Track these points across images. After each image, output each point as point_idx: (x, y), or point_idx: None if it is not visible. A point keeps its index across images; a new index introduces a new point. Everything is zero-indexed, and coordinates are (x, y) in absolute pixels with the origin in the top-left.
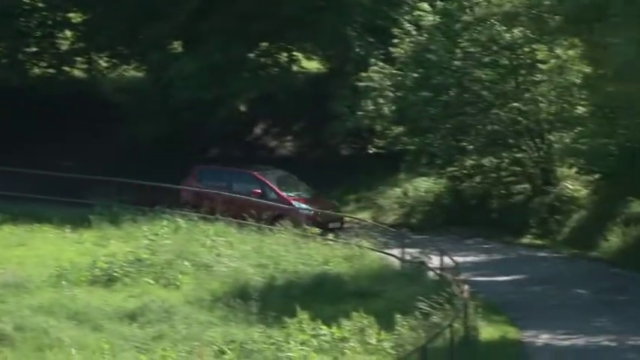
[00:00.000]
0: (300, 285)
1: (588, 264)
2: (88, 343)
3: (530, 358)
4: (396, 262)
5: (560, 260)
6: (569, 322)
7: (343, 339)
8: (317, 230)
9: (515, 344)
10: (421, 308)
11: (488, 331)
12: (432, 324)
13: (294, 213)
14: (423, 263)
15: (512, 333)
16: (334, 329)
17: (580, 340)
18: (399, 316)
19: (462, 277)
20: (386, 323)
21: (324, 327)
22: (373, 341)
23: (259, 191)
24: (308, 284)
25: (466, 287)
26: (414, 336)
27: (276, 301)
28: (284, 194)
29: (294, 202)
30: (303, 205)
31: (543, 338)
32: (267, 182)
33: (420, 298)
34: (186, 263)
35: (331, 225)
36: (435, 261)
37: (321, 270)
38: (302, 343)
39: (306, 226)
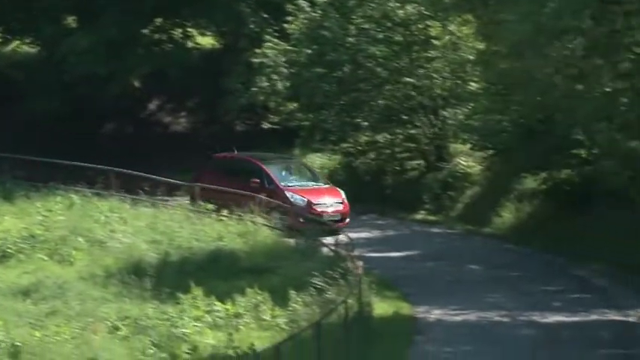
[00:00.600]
0: (194, 261)
1: (481, 240)
2: None
3: (423, 333)
4: (291, 239)
5: (454, 236)
6: (462, 297)
7: (237, 315)
8: (211, 206)
9: (408, 320)
10: (315, 284)
11: (381, 307)
12: (326, 300)
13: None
14: (317, 239)
15: (405, 309)
16: (228, 305)
17: (472, 316)
18: (293, 292)
19: (356, 253)
20: (280, 299)
21: (219, 303)
22: (267, 317)
23: (257, 181)
24: (202, 260)
25: (360, 263)
26: (308, 312)
27: (170, 277)
28: (281, 185)
29: (287, 194)
30: (297, 197)
31: (436, 314)
32: (268, 172)
33: (315, 274)
34: (80, 239)
35: (327, 217)
36: (329, 237)
37: (215, 246)
38: (196, 319)
39: (301, 219)
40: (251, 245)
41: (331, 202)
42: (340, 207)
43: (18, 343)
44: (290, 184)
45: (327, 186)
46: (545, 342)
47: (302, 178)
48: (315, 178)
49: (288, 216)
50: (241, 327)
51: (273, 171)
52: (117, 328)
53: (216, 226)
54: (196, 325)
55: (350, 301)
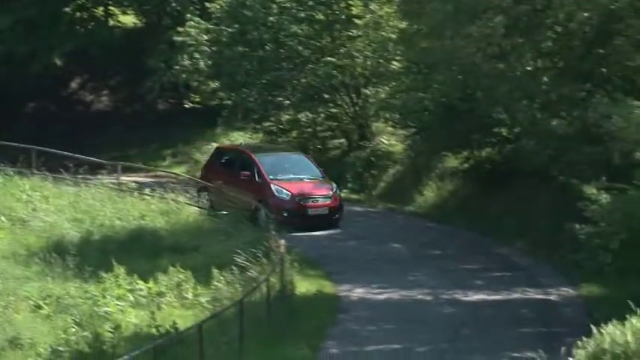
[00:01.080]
0: (116, 240)
1: (404, 218)
2: None
3: (346, 311)
4: (215, 219)
5: (376, 215)
6: (385, 276)
7: (160, 294)
8: (133, 185)
9: (331, 298)
10: (238, 263)
11: (304, 285)
12: (248, 278)
13: (271, 198)
14: (240, 219)
15: (328, 287)
16: (151, 284)
17: (395, 294)
18: (216, 270)
19: (279, 231)
20: (203, 278)
21: (141, 282)
22: (190, 296)
23: (247, 173)
24: (124, 239)
25: (283, 242)
26: (231, 290)
27: (93, 255)
28: (268, 178)
29: (272, 187)
30: (282, 190)
31: (358, 292)
32: (258, 164)
33: (237, 252)
34: (1, 218)
35: (312, 212)
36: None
37: (137, 225)
38: (118, 298)
39: (285, 214)
40: (174, 224)
41: (318, 197)
42: (328, 201)
43: None
44: (279, 178)
45: (321, 180)
46: (468, 320)
47: (299, 171)
48: (312, 171)
49: (271, 210)
50: (164, 305)
51: (264, 163)
52: (39, 307)
53: (138, 204)
54: (119, 304)
55: (272, 279)
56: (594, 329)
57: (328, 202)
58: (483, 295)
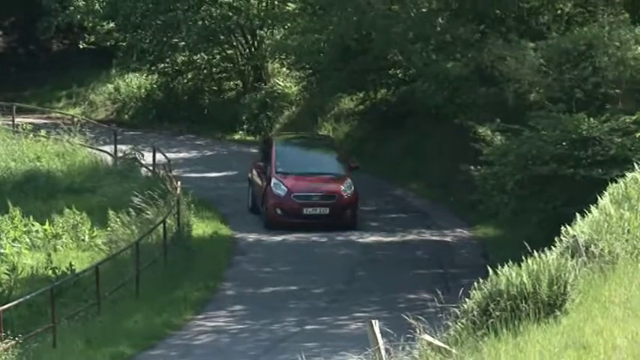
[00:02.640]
0: (11, 181)
1: None
2: None
3: (242, 253)
4: (109, 159)
5: None
6: None
7: (56, 235)
8: (29, 127)
9: (228, 240)
10: (134, 204)
11: (200, 227)
12: (145, 220)
13: (269, 192)
14: (135, 160)
15: (224, 229)
16: (47, 226)
17: (291, 236)
18: (112, 212)
19: (175, 173)
20: (99, 220)
21: (37, 223)
22: (86, 238)
23: (261, 164)
24: (19, 180)
25: (179, 183)
26: (127, 232)
27: None
28: (275, 170)
29: (272, 180)
30: (280, 185)
31: (255, 235)
32: (273, 154)
33: (134, 194)
34: None
35: (308, 212)
36: (147, 157)
37: (32, 166)
38: (14, 240)
39: (279, 212)
40: (69, 165)
41: (318, 194)
42: (331, 201)
43: None
44: (289, 171)
45: (337, 176)
46: (364, 261)
47: (319, 165)
48: (333, 166)
49: (267, 206)
50: (60, 247)
51: (280, 154)
52: None
53: (33, 146)
54: (14, 246)
55: (169, 221)
56: (490, 270)
57: (331, 201)
58: (379, 237)
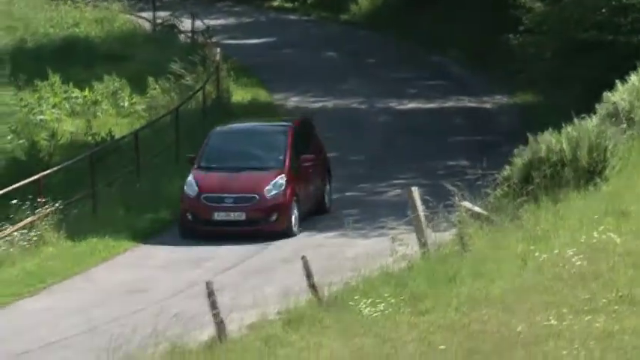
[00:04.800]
0: (50, 48)
1: (337, 27)
2: None
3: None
4: (147, 25)
5: (310, 23)
6: (320, 84)
7: (95, 102)
8: None
9: (267, 106)
10: (174, 71)
11: (240, 94)
12: (184, 86)
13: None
14: (174, 26)
15: (263, 95)
16: (86, 92)
17: (330, 103)
18: (151, 78)
19: (214, 40)
20: (138, 86)
21: (76, 90)
22: (125, 104)
23: (193, 156)
24: (58, 47)
25: (218, 50)
26: (166, 98)
27: (27, 63)
28: (197, 163)
29: (188, 177)
30: (194, 185)
31: (294, 100)
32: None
33: (173, 61)
34: None
35: (219, 217)
36: (186, 24)
37: (71, 32)
38: (54, 106)
39: (189, 216)
40: (108, 32)
41: (232, 196)
42: (248, 204)
43: None
44: (213, 165)
45: (268, 169)
46: (403, 128)
47: (259, 155)
48: (276, 156)
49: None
50: (99, 114)
51: (211, 143)
52: None
53: (72, 12)
54: (55, 112)
55: (208, 87)
56: (530, 137)
57: (251, 205)
58: (417, 104)
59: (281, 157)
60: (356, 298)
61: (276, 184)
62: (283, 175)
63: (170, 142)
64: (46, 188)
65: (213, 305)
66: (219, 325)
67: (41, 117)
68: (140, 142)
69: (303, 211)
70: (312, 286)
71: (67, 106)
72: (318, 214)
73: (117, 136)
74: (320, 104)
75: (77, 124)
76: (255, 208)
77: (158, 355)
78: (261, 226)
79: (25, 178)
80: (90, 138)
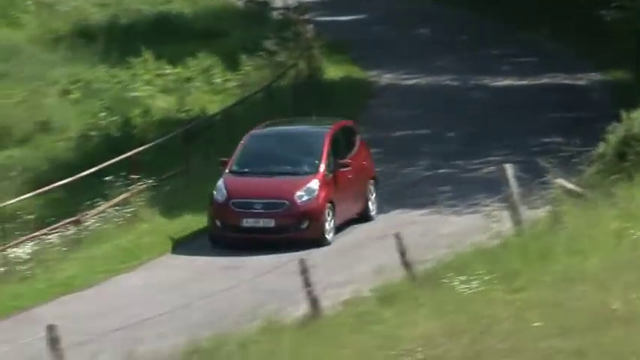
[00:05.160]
0: (143, 24)
1: (429, 4)
2: None
3: (375, 97)
4: (239, 2)
5: (399, 0)
6: (413, 61)
7: (188, 79)
8: None
9: (360, 83)
10: (266, 48)
11: (332, 71)
12: (276, 63)
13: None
14: (266, 3)
15: (356, 72)
16: (179, 69)
17: (423, 80)
18: (244, 55)
19: (306, 17)
20: (231, 63)
21: (169, 66)
22: (218, 81)
23: (225, 160)
24: (151, 24)
25: (310, 27)
26: (258, 75)
27: (120, 40)
28: (226, 169)
29: (219, 181)
30: (223, 190)
31: (387, 77)
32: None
33: (265, 37)
34: (28, 2)
35: (247, 224)
36: (277, 1)
37: (163, 9)
38: (147, 83)
39: (218, 222)
40: (200, 8)
41: (260, 201)
42: (278, 210)
43: None
44: (245, 169)
45: (301, 174)
46: (497, 105)
47: (293, 159)
48: (312, 160)
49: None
50: (192, 90)
51: (246, 145)
52: (68, 92)
53: None
54: (147, 89)
55: (300, 64)
56: (623, 114)
57: (281, 210)
58: (511, 81)
59: (316, 162)
60: (450, 275)
61: (308, 190)
62: (317, 181)
63: (262, 119)
64: (140, 165)
65: (307, 282)
66: (314, 301)
67: (134, 94)
68: (232, 119)
69: (340, 218)
70: (406, 263)
71: (160, 82)
72: (360, 222)
73: (209, 113)
74: (413, 81)
75: (170, 101)
76: (285, 215)
77: (253, 331)
78: (291, 234)
79: (119, 155)
80: (182, 115)
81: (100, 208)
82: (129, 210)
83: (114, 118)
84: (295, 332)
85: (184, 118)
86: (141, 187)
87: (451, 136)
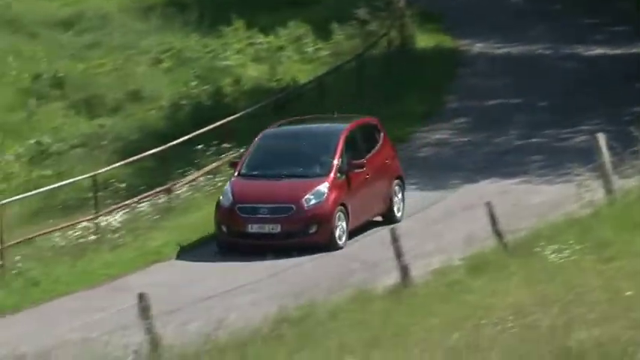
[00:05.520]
0: None
1: None
2: (24, 50)
3: (465, 65)
4: None
5: None
6: (504, 31)
7: (280, 48)
8: None
9: (451, 52)
10: (358, 17)
11: (424, 40)
12: (368, 32)
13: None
14: None
15: (447, 41)
16: (271, 38)
17: (515, 49)
18: (335, 24)
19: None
20: (323, 32)
21: (261, 36)
22: (310, 50)
23: (236, 162)
24: None
25: None
26: (350, 44)
27: (212, 9)
28: (236, 171)
29: (227, 185)
30: (229, 194)
31: (479, 47)
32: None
33: (357, 6)
34: None
35: (253, 229)
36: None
37: None
38: (238, 51)
39: (224, 228)
40: None
41: (269, 207)
42: (284, 215)
43: (61, 74)
44: (254, 172)
45: (312, 177)
46: (589, 74)
47: (305, 160)
48: (325, 159)
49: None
50: (283, 59)
51: (258, 146)
52: (159, 61)
53: None
54: (239, 57)
55: (392, 33)
56: None
57: (288, 215)
58: (604, 50)
59: (328, 163)
60: (541, 244)
61: (317, 193)
62: (326, 183)
63: (354, 88)
64: (231, 133)
65: (398, 251)
66: (404, 270)
67: (225, 62)
68: (324, 88)
69: (356, 222)
70: (497, 232)
71: (251, 51)
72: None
73: (300, 83)
74: (505, 50)
75: (261, 70)
76: (292, 220)
77: (343, 300)
78: (298, 239)
79: (210, 124)
80: (274, 83)
81: (191, 177)
82: (219, 179)
83: (205, 87)
84: (385, 301)
85: (275, 88)
86: (232, 155)
87: (543, 105)
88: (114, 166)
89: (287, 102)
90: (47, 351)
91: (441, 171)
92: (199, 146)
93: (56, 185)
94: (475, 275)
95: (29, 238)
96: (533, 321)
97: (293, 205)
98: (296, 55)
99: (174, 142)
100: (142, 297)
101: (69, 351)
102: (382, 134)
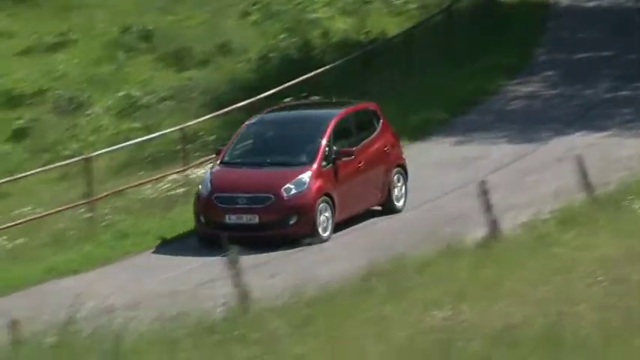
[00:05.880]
0: None
1: None
2: (112, 3)
3: (554, 19)
4: None
5: None
6: None
7: (368, 0)
8: None
9: (540, 6)
10: None
11: None
12: None
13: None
14: None
15: None
16: None
17: (605, 2)
18: None
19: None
20: None
21: None
22: (398, 2)
23: (221, 148)
24: None
25: None
26: None
27: None
28: (219, 160)
29: (206, 174)
30: (208, 183)
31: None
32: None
33: None
34: None
35: (232, 220)
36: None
37: None
38: (327, 4)
39: (202, 218)
40: None
41: (247, 197)
42: (262, 205)
43: (150, 27)
44: (237, 160)
45: (295, 165)
46: None
47: (286, 147)
48: (310, 147)
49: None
50: (372, 12)
51: (243, 133)
52: (248, 13)
53: None
54: (327, 10)
55: None
56: None
57: (262, 205)
58: None
59: (313, 151)
60: (630, 198)
61: (298, 182)
62: (310, 172)
63: (443, 41)
64: (319, 86)
65: (487, 204)
66: (493, 223)
67: (314, 15)
68: (412, 42)
69: (345, 213)
70: (587, 185)
71: (340, 4)
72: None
73: (389, 35)
74: (594, 3)
75: (349, 23)
76: (270, 210)
77: (432, 253)
78: (278, 230)
79: (298, 76)
80: (362, 37)
81: None
82: None
83: (293, 40)
84: (474, 254)
85: (363, 41)
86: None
87: (632, 58)
88: (203, 118)
89: (375, 55)
90: (136, 303)
91: (530, 124)
92: (288, 99)
93: (145, 138)
94: (564, 228)
95: (119, 191)
96: (622, 275)
97: (272, 195)
98: (384, 8)
99: (263, 95)
100: (230, 250)
101: (158, 303)
102: (382, 121)
